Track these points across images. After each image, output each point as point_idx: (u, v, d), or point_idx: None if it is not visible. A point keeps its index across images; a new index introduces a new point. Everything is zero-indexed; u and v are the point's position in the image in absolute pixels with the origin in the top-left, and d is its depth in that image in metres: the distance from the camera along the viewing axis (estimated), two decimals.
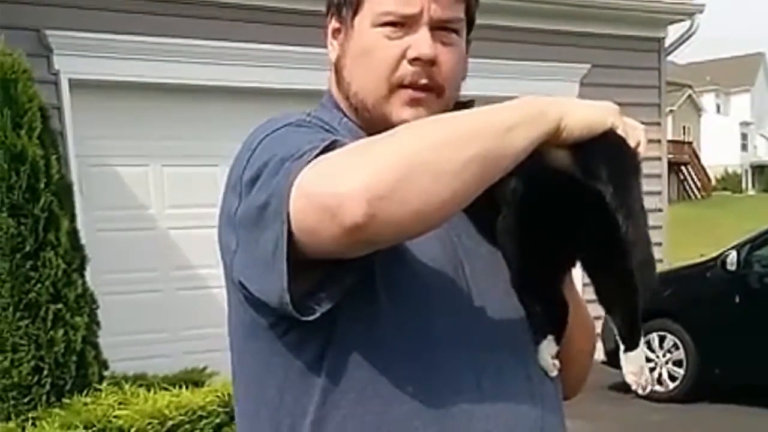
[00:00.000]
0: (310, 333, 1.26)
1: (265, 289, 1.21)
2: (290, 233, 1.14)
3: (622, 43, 10.13)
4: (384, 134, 1.18)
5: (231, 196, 1.28)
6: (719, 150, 57.55)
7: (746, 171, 61.09)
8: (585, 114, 1.24)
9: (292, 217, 1.14)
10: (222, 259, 1.35)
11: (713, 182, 53.71)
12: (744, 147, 62.31)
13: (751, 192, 57.36)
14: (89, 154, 7.38)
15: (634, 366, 1.35)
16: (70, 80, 7.22)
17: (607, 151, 1.24)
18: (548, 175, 1.27)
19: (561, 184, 1.27)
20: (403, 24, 1.36)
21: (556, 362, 1.39)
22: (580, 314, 1.48)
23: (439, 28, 1.37)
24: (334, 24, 1.45)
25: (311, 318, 1.20)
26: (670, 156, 15.06)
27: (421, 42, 1.35)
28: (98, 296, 5.63)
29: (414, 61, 1.36)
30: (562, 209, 1.29)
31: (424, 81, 1.37)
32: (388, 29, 1.36)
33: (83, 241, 5.64)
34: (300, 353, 1.28)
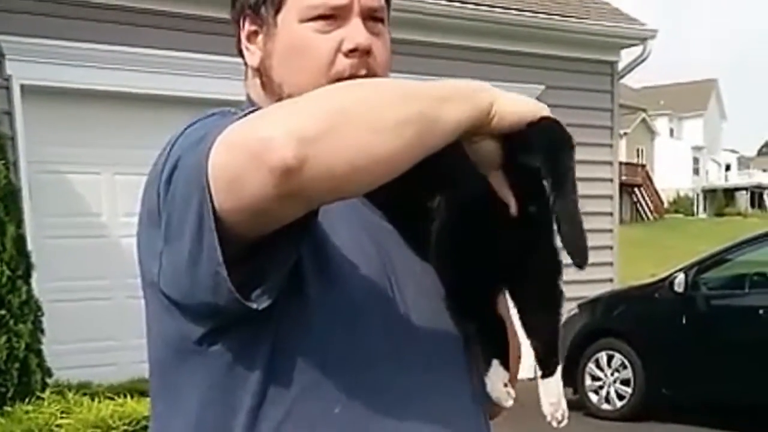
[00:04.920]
0: (239, 348, 1.20)
1: (199, 277, 1.13)
2: (214, 209, 1.08)
3: (576, 65, 10.28)
4: (317, 90, 1.13)
5: (152, 192, 1.20)
6: (672, 173, 58.26)
7: (698, 195, 61.88)
8: (516, 102, 1.20)
9: (211, 174, 1.07)
10: (141, 265, 1.27)
11: (666, 205, 54.33)
12: (696, 171, 63.17)
13: (702, 215, 58.11)
14: (41, 160, 7.29)
15: (553, 396, 1.28)
16: (22, 86, 7.14)
17: (540, 135, 1.19)
18: (477, 190, 1.23)
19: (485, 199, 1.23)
20: (334, 16, 1.30)
21: (511, 390, 1.29)
22: (510, 335, 1.42)
23: (368, 17, 1.33)
24: (249, 27, 1.37)
25: (260, 306, 1.13)
26: (624, 178, 15.17)
27: (355, 32, 1.31)
28: (45, 304, 5.56)
29: (351, 52, 1.31)
30: (486, 224, 1.24)
31: (363, 71, 1.32)
32: (318, 23, 1.30)
33: (30, 247, 5.57)
34: (225, 368, 1.21)
